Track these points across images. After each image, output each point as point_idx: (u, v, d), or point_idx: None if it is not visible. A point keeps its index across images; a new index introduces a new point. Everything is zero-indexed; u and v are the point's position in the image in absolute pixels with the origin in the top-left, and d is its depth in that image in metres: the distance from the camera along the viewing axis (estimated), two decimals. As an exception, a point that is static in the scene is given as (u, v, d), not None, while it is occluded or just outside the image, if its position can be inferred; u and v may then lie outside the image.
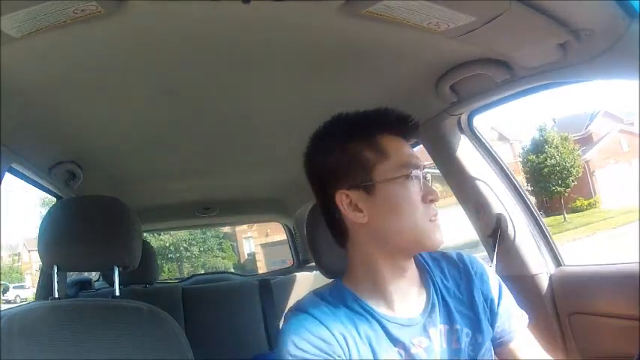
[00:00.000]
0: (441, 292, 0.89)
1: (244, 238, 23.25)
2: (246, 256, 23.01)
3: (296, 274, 2.86)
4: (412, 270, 0.88)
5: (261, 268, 20.24)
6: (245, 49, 1.03)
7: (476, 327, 0.87)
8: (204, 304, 2.39)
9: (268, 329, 2.35)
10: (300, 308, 0.85)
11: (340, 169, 0.85)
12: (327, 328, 0.81)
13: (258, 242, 22.16)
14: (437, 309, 0.87)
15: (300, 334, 0.80)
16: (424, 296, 0.88)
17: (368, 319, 0.84)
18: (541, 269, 1.37)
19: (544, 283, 1.36)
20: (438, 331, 0.85)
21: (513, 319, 0.92)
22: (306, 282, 2.52)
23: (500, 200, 1.41)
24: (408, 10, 0.85)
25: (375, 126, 0.86)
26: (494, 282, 0.93)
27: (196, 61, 1.07)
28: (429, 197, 0.83)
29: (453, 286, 0.90)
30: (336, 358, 0.79)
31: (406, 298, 0.87)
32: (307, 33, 0.98)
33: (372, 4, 0.83)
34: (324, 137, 0.89)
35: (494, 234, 1.41)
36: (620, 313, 1.16)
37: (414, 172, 0.83)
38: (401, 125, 0.87)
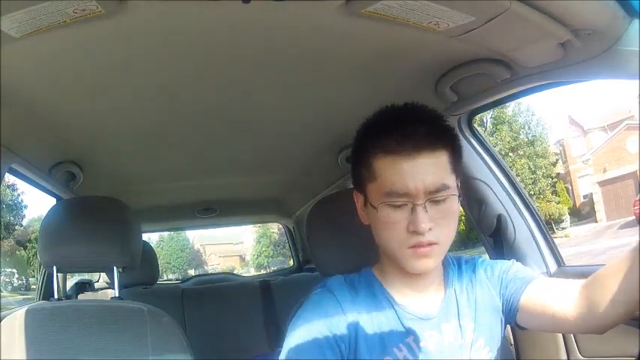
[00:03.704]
0: (456, 292, 0.91)
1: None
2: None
3: (296, 274, 2.86)
4: (431, 272, 0.89)
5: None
6: (245, 49, 1.03)
7: (475, 327, 0.89)
8: (204, 304, 2.39)
9: (268, 330, 2.35)
10: (325, 286, 0.90)
11: (354, 175, 0.92)
12: (342, 310, 0.85)
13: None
14: (451, 306, 0.89)
15: (315, 309, 0.86)
16: (442, 292, 0.91)
17: (385, 307, 0.87)
18: (541, 269, 1.37)
19: (544, 283, 1.36)
20: (450, 326, 0.87)
21: (520, 274, 0.92)
22: (307, 283, 2.52)
23: (500, 200, 1.41)
24: (407, 10, 0.85)
25: (369, 144, 0.84)
26: (500, 265, 0.94)
27: (196, 61, 1.07)
28: (411, 228, 0.80)
29: (466, 286, 0.92)
30: (339, 340, 0.83)
31: (424, 292, 0.89)
32: (307, 33, 0.98)
33: (371, 3, 0.83)
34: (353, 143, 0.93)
35: (495, 234, 1.41)
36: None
37: (397, 203, 0.80)
38: (401, 141, 0.80)
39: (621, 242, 12.38)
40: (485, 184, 1.42)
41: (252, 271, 20.25)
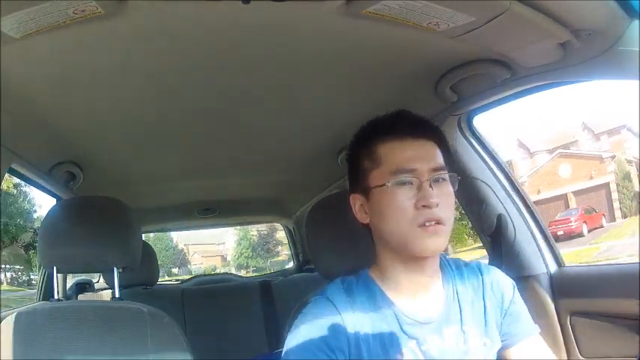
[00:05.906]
0: (458, 295, 0.91)
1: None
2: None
3: (296, 275, 2.86)
4: (432, 270, 0.90)
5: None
6: (245, 49, 1.03)
7: (485, 332, 0.90)
8: (204, 305, 2.39)
9: (268, 330, 2.35)
10: (324, 292, 0.90)
11: (351, 176, 0.94)
12: (342, 320, 0.85)
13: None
14: (452, 311, 0.89)
15: (314, 319, 0.85)
16: (442, 297, 0.90)
17: (385, 312, 0.87)
18: (541, 269, 1.37)
19: (544, 283, 1.36)
20: (451, 331, 0.87)
21: (520, 324, 0.94)
22: (307, 283, 2.52)
23: (500, 200, 1.41)
24: (407, 10, 0.85)
25: (373, 134, 0.89)
26: (508, 288, 0.96)
27: (196, 61, 1.07)
28: (420, 203, 0.82)
29: (470, 292, 0.92)
30: (338, 351, 0.83)
31: (424, 296, 0.89)
32: (307, 33, 0.98)
33: (372, 4, 0.83)
34: (348, 146, 0.96)
35: (495, 234, 1.41)
36: (620, 314, 1.16)
37: (405, 178, 0.84)
38: (402, 128, 0.87)
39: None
40: (486, 184, 1.42)
41: (232, 271, 20.39)
